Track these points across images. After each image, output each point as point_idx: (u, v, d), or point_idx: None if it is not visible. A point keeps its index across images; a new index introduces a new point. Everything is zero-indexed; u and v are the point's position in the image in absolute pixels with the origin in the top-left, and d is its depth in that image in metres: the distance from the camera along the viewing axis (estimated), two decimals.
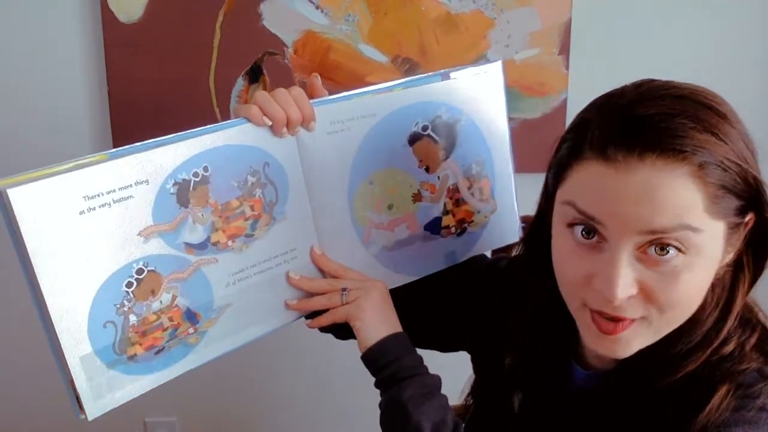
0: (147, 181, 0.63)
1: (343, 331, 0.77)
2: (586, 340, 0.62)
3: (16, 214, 0.56)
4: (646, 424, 0.60)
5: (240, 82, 1.37)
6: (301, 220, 0.74)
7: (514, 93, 1.39)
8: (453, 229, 0.82)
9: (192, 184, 0.66)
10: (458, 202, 0.82)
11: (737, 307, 0.60)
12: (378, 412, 0.72)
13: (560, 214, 0.60)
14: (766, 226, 0.58)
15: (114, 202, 0.62)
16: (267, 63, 1.36)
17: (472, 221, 0.83)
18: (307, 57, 1.36)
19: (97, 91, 1.39)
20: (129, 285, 0.64)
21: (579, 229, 0.58)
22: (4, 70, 1.38)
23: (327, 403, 1.61)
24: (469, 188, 0.82)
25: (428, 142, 0.78)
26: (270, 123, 0.69)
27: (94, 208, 0.60)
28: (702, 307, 0.60)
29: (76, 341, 0.61)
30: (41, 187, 0.57)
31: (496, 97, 0.82)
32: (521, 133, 1.41)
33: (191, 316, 0.68)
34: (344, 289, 0.75)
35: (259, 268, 0.72)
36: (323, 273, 0.78)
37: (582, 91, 1.38)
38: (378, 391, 0.73)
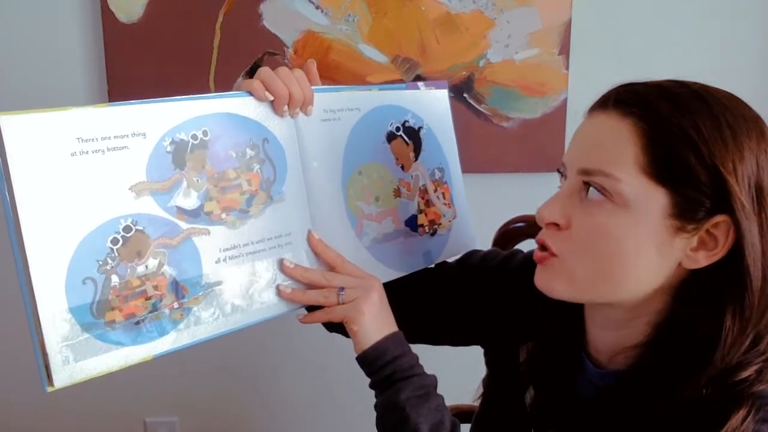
0: (144, 135, 0.62)
1: (333, 324, 0.76)
2: (534, 278, 0.66)
3: (5, 143, 0.55)
4: None
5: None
6: (298, 204, 0.73)
7: (514, 93, 1.40)
8: (427, 228, 0.85)
9: (190, 146, 0.65)
10: (428, 202, 0.86)
11: (728, 326, 0.57)
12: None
13: None
14: (740, 232, 0.56)
15: (108, 149, 0.60)
16: (267, 63, 1.36)
17: (440, 224, 0.87)
18: (307, 57, 1.36)
19: (97, 91, 1.39)
20: (114, 242, 0.61)
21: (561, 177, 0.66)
22: (3, 70, 1.39)
23: (328, 403, 1.61)
24: (435, 191, 0.87)
25: (401, 142, 0.83)
26: (272, 98, 0.70)
27: (87, 152, 0.59)
28: (682, 312, 0.60)
29: (51, 294, 0.58)
30: (34, 120, 0.56)
31: (446, 115, 0.89)
32: (521, 132, 1.41)
33: (177, 289, 0.65)
34: (341, 288, 0.72)
35: (252, 248, 0.70)
36: (320, 260, 0.75)
37: (582, 91, 1.38)
38: None
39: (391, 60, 1.38)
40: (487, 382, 0.84)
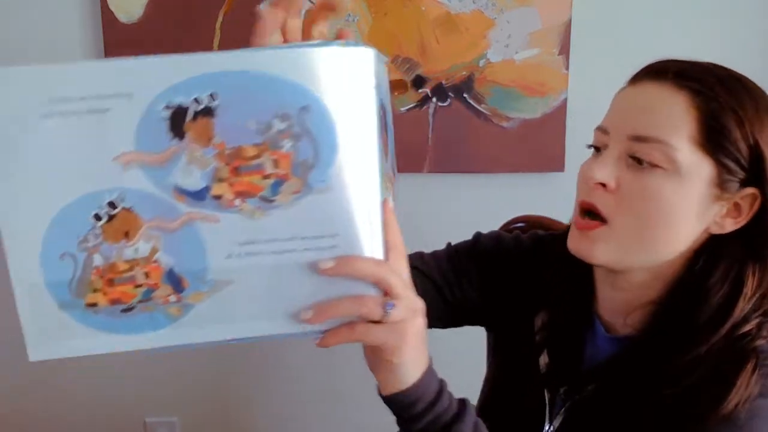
0: (131, 96, 0.51)
1: None
2: (569, 243, 0.68)
3: None
4: (666, 399, 0.62)
5: None
6: (356, 196, 0.55)
7: (514, 93, 1.40)
8: None
9: (191, 113, 0.53)
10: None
11: (749, 285, 0.62)
12: (381, 420, 0.67)
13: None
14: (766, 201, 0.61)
15: (86, 112, 0.51)
16: None
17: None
18: None
19: None
20: (97, 217, 0.53)
21: (595, 147, 0.67)
22: None
23: (330, 402, 1.61)
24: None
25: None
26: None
27: (62, 114, 0.51)
28: (705, 275, 0.63)
29: (25, 266, 0.53)
30: (2, 75, 0.50)
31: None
32: (521, 132, 1.41)
33: (175, 280, 0.56)
34: (389, 302, 0.53)
35: (277, 246, 0.56)
36: (386, 239, 0.55)
37: (582, 91, 1.38)
38: (383, 402, 0.60)
39: (391, 60, 1.38)
40: (494, 360, 0.85)
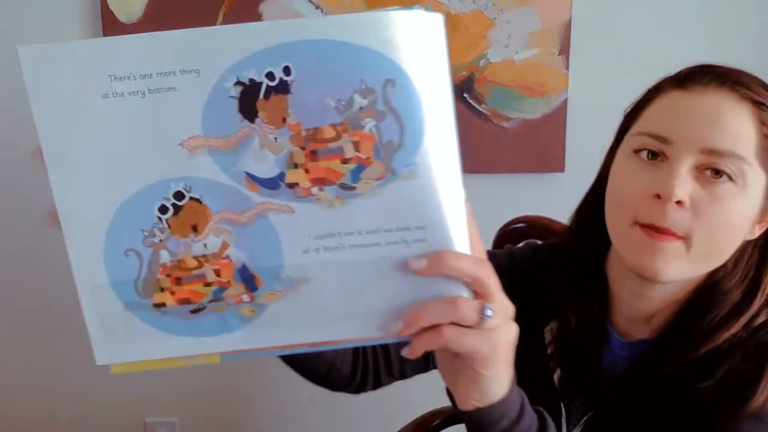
0: (197, 72, 0.46)
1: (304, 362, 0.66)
2: (631, 258, 0.64)
3: (25, 78, 0.47)
4: (692, 399, 0.62)
5: None
6: (443, 184, 0.49)
7: (514, 93, 1.40)
8: None
9: (263, 90, 0.47)
10: None
11: (767, 281, 0.64)
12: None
13: (628, 146, 0.65)
14: None
15: (149, 91, 0.46)
16: None
17: None
18: None
19: None
20: (163, 210, 0.49)
21: (644, 153, 0.63)
22: (3, 71, 1.38)
23: (331, 403, 1.61)
24: None
25: None
26: None
27: (122, 94, 0.46)
28: (729, 278, 0.65)
29: (89, 266, 0.50)
30: (58, 51, 0.46)
31: None
32: (521, 132, 1.41)
33: (248, 278, 0.51)
34: (488, 309, 0.47)
35: (358, 239, 0.50)
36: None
37: (582, 91, 1.38)
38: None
39: None
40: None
